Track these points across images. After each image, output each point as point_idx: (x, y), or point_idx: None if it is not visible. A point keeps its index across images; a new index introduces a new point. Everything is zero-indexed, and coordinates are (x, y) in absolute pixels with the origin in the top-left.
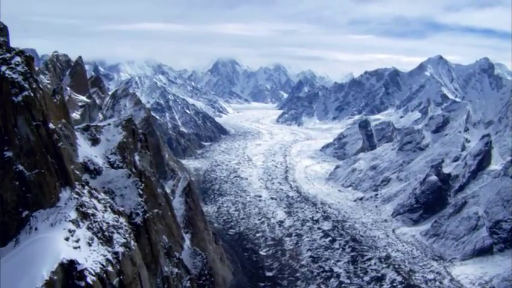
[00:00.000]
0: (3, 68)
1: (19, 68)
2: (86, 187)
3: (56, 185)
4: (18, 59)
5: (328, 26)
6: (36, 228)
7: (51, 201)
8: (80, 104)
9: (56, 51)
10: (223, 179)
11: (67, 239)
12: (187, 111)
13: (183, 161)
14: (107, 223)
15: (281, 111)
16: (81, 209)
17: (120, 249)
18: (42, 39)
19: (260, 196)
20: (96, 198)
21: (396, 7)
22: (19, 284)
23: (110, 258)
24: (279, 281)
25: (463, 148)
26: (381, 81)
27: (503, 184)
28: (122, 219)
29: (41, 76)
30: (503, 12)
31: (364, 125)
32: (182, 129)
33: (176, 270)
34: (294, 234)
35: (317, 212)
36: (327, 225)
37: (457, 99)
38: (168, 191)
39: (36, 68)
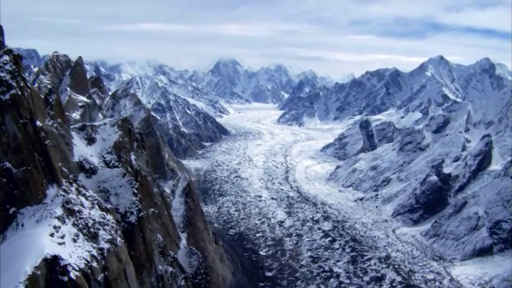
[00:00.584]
0: None
1: (7, 67)
2: (74, 184)
3: (43, 182)
4: (6, 57)
5: (329, 26)
6: (22, 225)
7: (38, 198)
8: (80, 104)
9: (56, 52)
10: (224, 179)
11: (52, 235)
12: (188, 112)
13: (184, 161)
14: (93, 220)
15: (282, 111)
16: (67, 205)
17: (106, 246)
18: (43, 39)
19: (260, 196)
20: (84, 195)
21: (397, 7)
22: (2, 279)
23: (95, 254)
24: (278, 281)
25: (464, 148)
26: (381, 82)
27: (504, 184)
28: (109, 217)
29: (41, 76)
30: (504, 12)
31: (364, 125)
32: (183, 129)
33: (171, 269)
34: (294, 235)
35: (317, 212)
36: (327, 226)
37: (458, 100)
38: (168, 191)
39: (37, 68)
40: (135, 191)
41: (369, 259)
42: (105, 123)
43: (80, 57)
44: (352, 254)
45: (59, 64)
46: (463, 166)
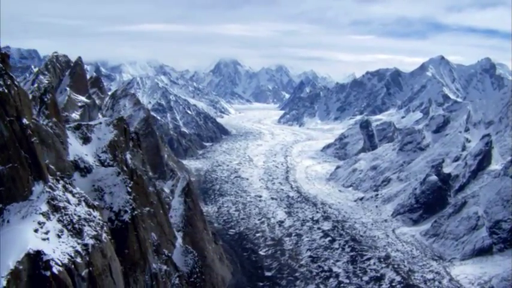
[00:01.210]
0: None
1: None
2: (61, 181)
3: (29, 179)
4: None
5: (330, 26)
6: (8, 221)
7: (24, 194)
8: (79, 104)
9: (55, 52)
10: (224, 179)
11: (36, 230)
12: (189, 112)
13: (184, 162)
14: (79, 216)
15: (283, 111)
16: (52, 202)
17: (90, 242)
18: (44, 39)
19: (260, 196)
20: (71, 192)
21: (398, 8)
22: None
23: (79, 249)
24: (278, 281)
25: (464, 148)
26: (382, 82)
27: (503, 184)
28: (95, 213)
29: (41, 76)
30: (505, 12)
31: (365, 125)
32: (183, 129)
33: (165, 267)
34: (293, 234)
35: (317, 212)
36: (326, 225)
37: (459, 100)
38: (168, 191)
39: (37, 69)
40: (129, 189)
41: (369, 259)
42: (100, 123)
43: (80, 58)
44: (352, 253)
45: (59, 64)
46: (463, 166)
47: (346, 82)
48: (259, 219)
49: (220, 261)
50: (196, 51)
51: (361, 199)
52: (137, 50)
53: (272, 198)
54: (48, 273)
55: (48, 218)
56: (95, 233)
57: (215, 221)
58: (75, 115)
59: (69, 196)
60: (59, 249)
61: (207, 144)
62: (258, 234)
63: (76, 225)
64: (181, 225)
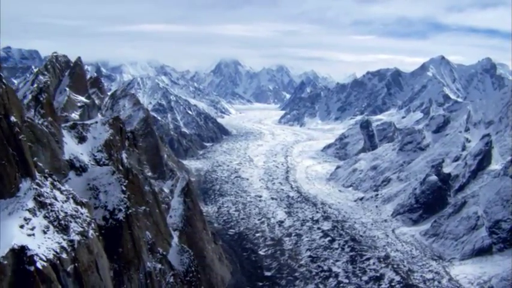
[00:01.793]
0: None
1: None
2: (49, 178)
3: (16, 176)
4: None
5: (331, 26)
6: None
7: (11, 191)
8: (79, 104)
9: (55, 52)
10: (224, 180)
11: (22, 226)
12: (189, 112)
13: (185, 162)
14: (65, 212)
15: (283, 111)
16: (39, 198)
17: (76, 238)
18: (45, 40)
19: (260, 196)
20: (59, 189)
21: (399, 8)
22: None
23: (65, 245)
24: (277, 281)
25: (464, 148)
26: (383, 82)
27: (503, 184)
28: (83, 210)
29: (40, 77)
30: (506, 12)
31: (365, 125)
32: (184, 129)
33: (159, 266)
34: (293, 234)
35: (317, 212)
36: (326, 225)
37: (459, 100)
38: (167, 190)
39: (37, 69)
40: (124, 188)
41: (368, 259)
42: (96, 122)
43: (79, 58)
44: (352, 253)
45: (58, 64)
46: (463, 166)
47: (347, 82)
48: (259, 219)
49: (219, 261)
50: (196, 52)
51: (361, 199)
52: (138, 51)
53: (272, 198)
54: (32, 268)
55: (35, 214)
56: (81, 229)
57: (215, 221)
58: (75, 115)
59: (57, 193)
60: (44, 244)
61: (207, 144)
62: (257, 234)
63: (62, 222)
64: (181, 225)
